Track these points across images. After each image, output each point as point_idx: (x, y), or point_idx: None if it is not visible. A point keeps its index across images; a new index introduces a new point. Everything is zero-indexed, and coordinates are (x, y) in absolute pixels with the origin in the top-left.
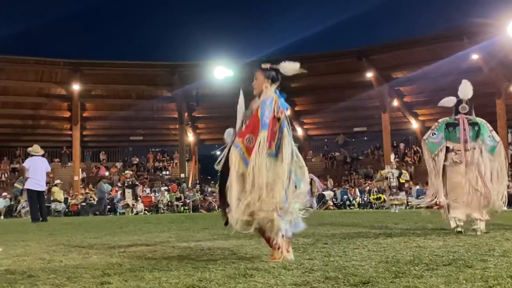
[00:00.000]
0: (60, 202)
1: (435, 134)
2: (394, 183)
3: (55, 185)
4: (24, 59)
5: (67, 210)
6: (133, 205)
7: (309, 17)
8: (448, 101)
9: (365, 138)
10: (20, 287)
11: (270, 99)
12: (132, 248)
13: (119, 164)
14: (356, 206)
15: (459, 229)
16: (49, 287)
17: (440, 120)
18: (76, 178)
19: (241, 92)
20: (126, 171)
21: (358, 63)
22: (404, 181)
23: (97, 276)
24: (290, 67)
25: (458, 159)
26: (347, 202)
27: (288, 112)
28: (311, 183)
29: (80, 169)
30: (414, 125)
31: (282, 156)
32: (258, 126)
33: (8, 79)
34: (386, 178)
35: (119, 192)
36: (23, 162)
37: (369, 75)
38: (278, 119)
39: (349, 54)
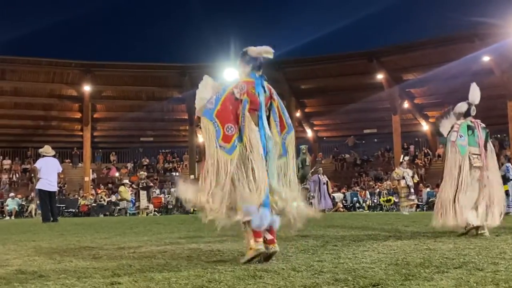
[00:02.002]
0: (128, 201)
1: (462, 136)
2: (410, 182)
3: (123, 184)
4: (35, 60)
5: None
6: (147, 206)
7: (320, 19)
8: (464, 106)
9: (375, 140)
10: (30, 287)
11: (229, 83)
12: (141, 249)
13: (129, 165)
14: (366, 208)
15: (474, 232)
16: (60, 287)
17: (459, 122)
18: (86, 179)
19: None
20: (141, 172)
21: (369, 65)
22: (416, 181)
23: (107, 277)
24: (256, 50)
25: (478, 163)
26: (357, 204)
27: (263, 96)
28: (327, 184)
29: (91, 170)
30: (425, 127)
31: (246, 144)
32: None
33: (20, 80)
34: (403, 178)
35: (130, 193)
36: (34, 162)
37: (380, 76)
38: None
39: (360, 56)
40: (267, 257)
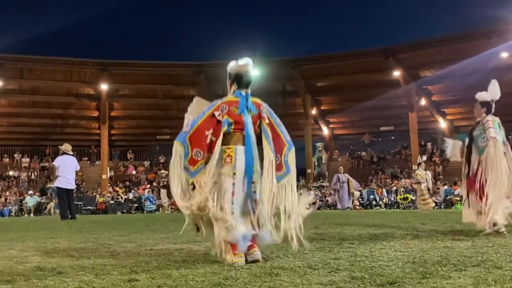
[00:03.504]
0: None
1: (498, 133)
2: (430, 185)
3: None
4: (53, 59)
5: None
6: (168, 204)
7: (336, 16)
8: (486, 95)
9: (392, 137)
10: (49, 283)
11: (211, 104)
12: (159, 246)
13: (146, 163)
14: (383, 206)
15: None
16: (78, 283)
17: (490, 119)
18: (104, 176)
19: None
20: (162, 171)
21: (385, 62)
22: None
23: (125, 273)
24: (235, 66)
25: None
26: (374, 202)
27: (249, 115)
28: (348, 183)
29: (108, 168)
30: (442, 124)
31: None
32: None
33: (38, 79)
34: (426, 180)
35: (146, 191)
36: (52, 160)
37: (396, 73)
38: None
39: (376, 53)
40: (250, 262)
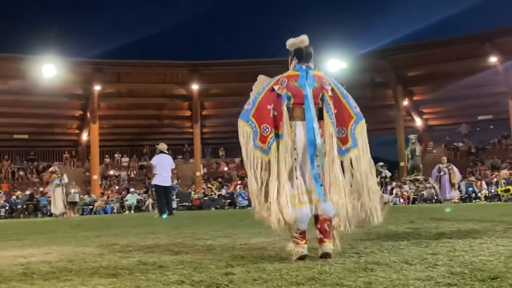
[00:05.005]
0: None
1: None
2: None
3: None
4: (147, 62)
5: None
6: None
7: (430, 4)
8: None
9: (491, 126)
10: (151, 277)
11: (272, 79)
12: (252, 241)
13: (237, 160)
14: (483, 199)
15: None
16: (178, 277)
17: None
18: (198, 173)
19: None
20: None
21: (481, 48)
22: None
23: (221, 267)
24: (290, 42)
25: None
26: (473, 195)
27: (309, 88)
28: (449, 174)
29: (201, 165)
30: None
31: (286, 141)
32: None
33: (134, 82)
34: None
35: (238, 187)
36: (149, 159)
37: (493, 59)
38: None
39: (470, 39)
40: (321, 255)
